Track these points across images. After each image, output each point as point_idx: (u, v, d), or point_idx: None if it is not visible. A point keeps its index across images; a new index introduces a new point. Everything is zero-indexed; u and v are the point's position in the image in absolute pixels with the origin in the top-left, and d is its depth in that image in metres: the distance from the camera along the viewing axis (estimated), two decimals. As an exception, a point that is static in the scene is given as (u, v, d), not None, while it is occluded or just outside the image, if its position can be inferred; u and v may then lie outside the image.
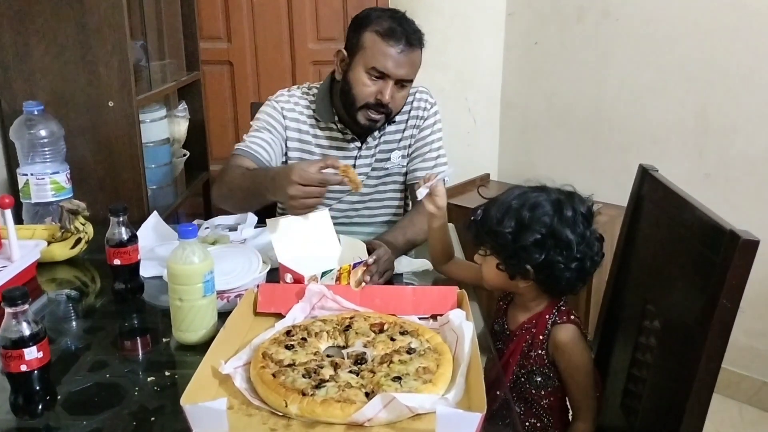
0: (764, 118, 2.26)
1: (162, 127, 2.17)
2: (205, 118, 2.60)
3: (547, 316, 1.25)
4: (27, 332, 0.92)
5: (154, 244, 1.50)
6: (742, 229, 0.95)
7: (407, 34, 1.52)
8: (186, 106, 2.40)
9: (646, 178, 1.34)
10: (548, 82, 2.85)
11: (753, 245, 0.92)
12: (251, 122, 1.70)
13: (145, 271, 1.40)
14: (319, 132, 1.69)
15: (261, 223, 1.69)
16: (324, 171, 1.30)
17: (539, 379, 1.25)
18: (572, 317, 1.25)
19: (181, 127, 2.36)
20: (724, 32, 2.30)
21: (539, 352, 1.24)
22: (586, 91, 2.72)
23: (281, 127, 1.66)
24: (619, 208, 2.24)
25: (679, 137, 2.47)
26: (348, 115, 1.62)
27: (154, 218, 1.62)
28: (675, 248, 1.17)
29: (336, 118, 1.67)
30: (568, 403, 1.29)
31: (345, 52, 1.59)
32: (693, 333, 1.01)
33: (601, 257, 1.23)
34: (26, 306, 0.92)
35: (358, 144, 1.69)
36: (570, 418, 1.30)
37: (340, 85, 1.61)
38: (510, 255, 1.19)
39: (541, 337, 1.24)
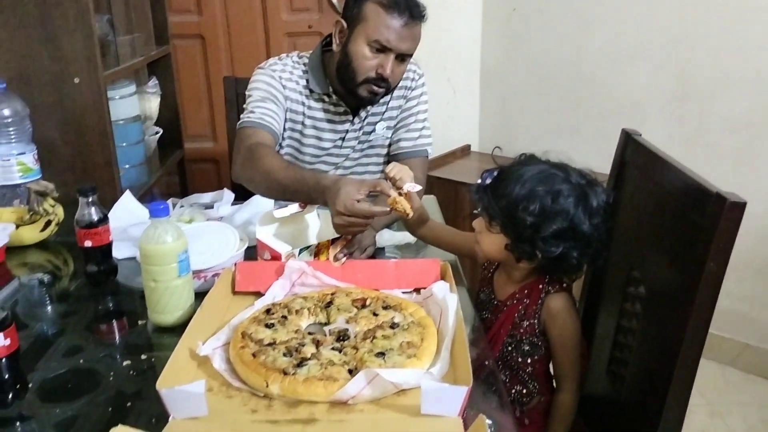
0: (744, 82, 2.25)
1: (132, 104, 2.11)
2: (177, 93, 2.53)
3: (540, 286, 1.22)
4: (-8, 319, 0.89)
5: (127, 224, 1.46)
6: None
7: (410, 6, 1.46)
8: (157, 82, 2.33)
9: (629, 142, 1.32)
10: (528, 50, 2.82)
11: (740, 207, 0.90)
12: (248, 92, 1.62)
13: (119, 252, 1.36)
14: (313, 103, 1.63)
15: (238, 200, 1.66)
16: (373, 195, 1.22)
17: (527, 347, 1.24)
18: (564, 285, 1.23)
19: (152, 104, 2.30)
20: (703, -6, 2.28)
21: (531, 321, 1.22)
22: (565, 57, 2.70)
23: (283, 98, 1.60)
24: (602, 175, 2.24)
25: (659, 103, 2.46)
26: (346, 88, 1.56)
27: (127, 197, 1.58)
28: (660, 213, 1.15)
29: (330, 90, 1.61)
30: (551, 370, 1.29)
31: (344, 23, 1.53)
32: (679, 298, 1.00)
33: (608, 252, 1.20)
34: (-10, 292, 0.88)
35: (350, 117, 1.64)
36: (554, 384, 1.29)
37: (338, 57, 1.55)
38: (524, 241, 1.14)
39: (534, 307, 1.22)
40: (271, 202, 1.52)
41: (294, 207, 1.31)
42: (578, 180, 1.16)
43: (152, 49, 2.34)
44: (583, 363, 1.26)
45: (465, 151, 3.04)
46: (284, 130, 1.63)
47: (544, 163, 1.19)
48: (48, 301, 1.30)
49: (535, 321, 1.22)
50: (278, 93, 1.59)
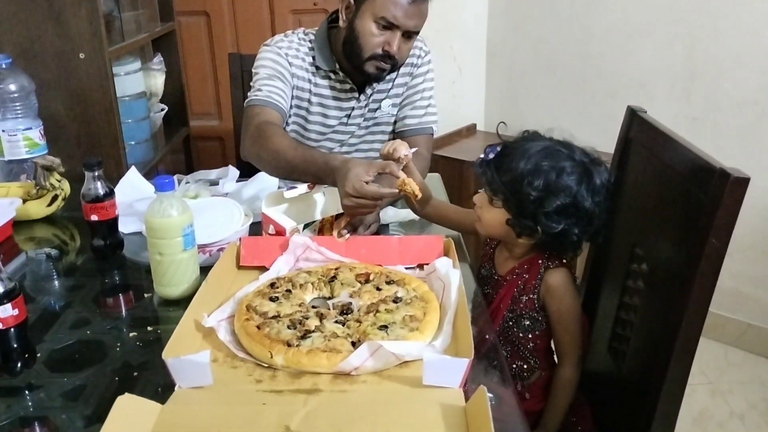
0: (751, 61, 2.23)
1: (137, 81, 2.11)
2: (182, 71, 2.53)
3: (540, 261, 1.23)
4: (0, 290, 0.90)
5: (133, 199, 1.47)
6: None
7: None
8: (162, 59, 2.33)
9: (634, 119, 1.31)
10: (535, 29, 2.80)
11: (743, 183, 0.90)
12: (254, 69, 1.61)
13: (125, 226, 1.38)
14: (319, 81, 1.62)
15: (243, 176, 1.67)
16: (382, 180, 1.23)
17: (527, 322, 1.25)
18: (563, 261, 1.24)
19: (157, 81, 2.30)
20: (713, -29, 2.26)
21: (530, 296, 1.23)
22: (573, 36, 2.68)
23: (289, 75, 1.59)
24: (607, 154, 2.22)
25: (666, 81, 2.45)
26: (352, 64, 1.56)
27: (133, 173, 1.59)
28: (664, 190, 1.15)
29: (337, 67, 1.61)
30: (553, 346, 1.30)
31: None
32: (681, 274, 1.00)
33: (608, 231, 1.21)
34: (-2, 264, 0.90)
35: (356, 94, 1.64)
36: (555, 359, 1.30)
37: (344, 33, 1.55)
38: (527, 216, 1.15)
39: (533, 282, 1.23)
40: (276, 179, 1.53)
41: (303, 188, 1.31)
42: (582, 158, 1.17)
43: (157, 25, 2.34)
44: (583, 338, 1.27)
45: (470, 130, 3.04)
46: (290, 107, 1.63)
47: (548, 139, 1.19)
48: (55, 275, 1.31)
49: (535, 296, 1.23)
50: (285, 70, 1.58)
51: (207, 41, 2.91)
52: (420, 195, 1.23)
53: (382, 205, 1.41)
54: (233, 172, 1.68)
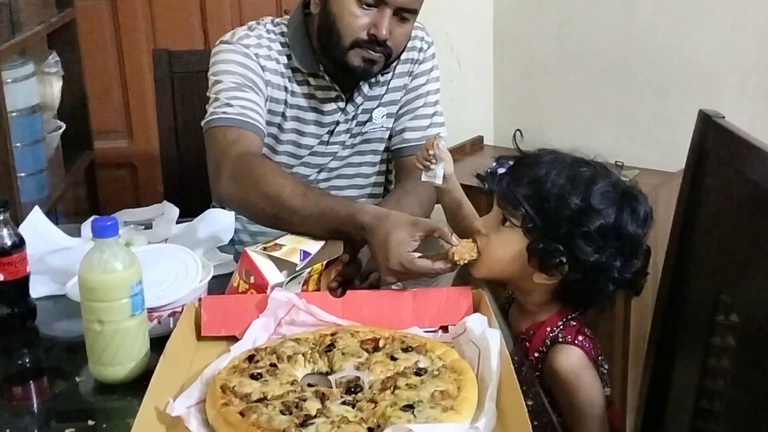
0: None
1: (30, 89, 2.16)
2: (83, 74, 2.59)
3: (548, 329, 1.29)
4: None
5: (42, 251, 1.50)
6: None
7: None
8: (58, 59, 2.39)
9: (709, 128, 1.40)
10: (558, 9, 2.90)
11: None
12: (212, 76, 1.65)
13: (34, 289, 1.39)
14: (296, 88, 1.69)
15: (184, 215, 1.70)
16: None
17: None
18: (580, 338, 1.28)
19: (53, 89, 2.35)
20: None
21: (531, 361, 1.29)
22: (610, 18, 2.77)
23: (263, 83, 1.64)
24: (663, 174, 2.28)
25: (736, 75, 2.54)
26: (331, 59, 1.62)
27: (37, 215, 1.63)
28: (755, 216, 1.24)
29: (321, 68, 1.67)
30: None
31: None
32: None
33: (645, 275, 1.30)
34: None
35: (342, 104, 1.71)
36: None
37: (317, 21, 1.62)
38: (556, 238, 1.20)
39: (536, 355, 1.29)
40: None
41: (317, 245, 1.38)
42: (619, 180, 1.27)
43: (52, 13, 2.39)
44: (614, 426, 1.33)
45: (476, 144, 3.11)
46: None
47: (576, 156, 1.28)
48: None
49: (537, 373, 1.28)
50: (257, 77, 1.63)
51: (112, 33, 2.96)
52: (477, 256, 1.28)
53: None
54: (170, 210, 1.71)
